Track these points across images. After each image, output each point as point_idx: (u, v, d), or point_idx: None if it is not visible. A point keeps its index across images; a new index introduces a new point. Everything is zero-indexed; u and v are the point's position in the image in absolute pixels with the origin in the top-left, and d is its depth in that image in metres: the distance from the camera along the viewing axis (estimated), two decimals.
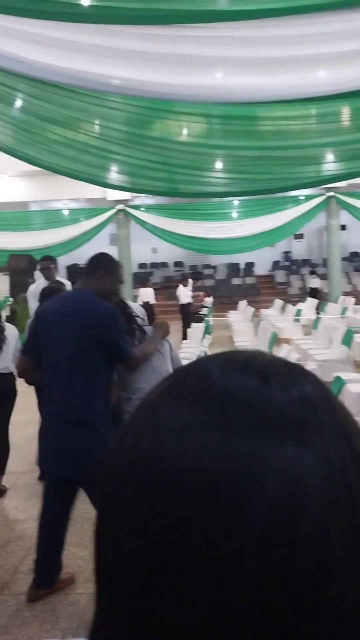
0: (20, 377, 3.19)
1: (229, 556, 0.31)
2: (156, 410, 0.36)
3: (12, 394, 4.52)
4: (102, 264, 3.12)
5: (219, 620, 0.31)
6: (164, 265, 24.27)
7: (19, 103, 4.31)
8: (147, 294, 14.77)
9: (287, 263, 25.02)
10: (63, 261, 19.18)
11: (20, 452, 5.44)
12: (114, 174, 5.12)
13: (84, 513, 4.01)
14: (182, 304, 13.78)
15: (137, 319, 3.60)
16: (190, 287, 14.35)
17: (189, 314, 13.45)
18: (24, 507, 4.19)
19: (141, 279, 21.97)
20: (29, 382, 3.39)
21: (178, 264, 24.21)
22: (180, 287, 14.10)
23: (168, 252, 23.19)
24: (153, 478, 0.33)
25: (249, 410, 0.34)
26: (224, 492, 0.31)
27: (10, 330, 4.59)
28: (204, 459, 0.32)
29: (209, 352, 5.76)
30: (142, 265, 23.80)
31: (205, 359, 0.39)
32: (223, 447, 0.32)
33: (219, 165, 5.39)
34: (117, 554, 0.35)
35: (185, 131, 5.13)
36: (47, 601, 2.93)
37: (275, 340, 8.80)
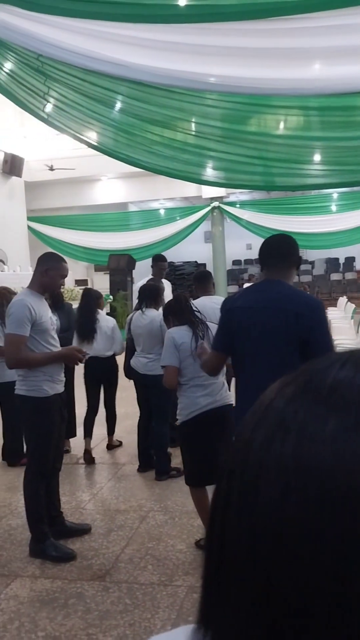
0: (209, 373, 2.99)
1: None
2: (295, 413, 0.36)
3: (113, 374, 5.28)
4: (293, 249, 2.76)
5: None
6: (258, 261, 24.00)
7: (119, 105, 4.43)
8: None
9: None
10: None
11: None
12: (211, 171, 5.14)
13: (181, 507, 4.08)
14: None
15: (196, 313, 3.61)
16: None
17: None
18: (125, 497, 4.32)
19: (235, 276, 21.93)
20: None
21: None
22: None
23: None
24: (304, 483, 0.33)
25: None
26: None
27: (105, 322, 5.20)
28: None
29: None
30: (236, 262, 23.69)
31: (333, 359, 0.39)
32: None
33: (317, 157, 5.25)
34: (248, 551, 0.35)
35: (282, 124, 5.04)
36: (147, 591, 3.00)
37: None
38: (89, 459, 5.11)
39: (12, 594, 3.07)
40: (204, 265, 21.74)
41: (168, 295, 6.28)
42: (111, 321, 5.33)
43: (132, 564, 3.32)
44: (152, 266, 6.42)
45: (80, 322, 5.12)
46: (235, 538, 0.37)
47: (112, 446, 5.51)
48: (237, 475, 0.38)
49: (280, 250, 2.77)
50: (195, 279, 5.21)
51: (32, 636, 2.68)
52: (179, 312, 3.61)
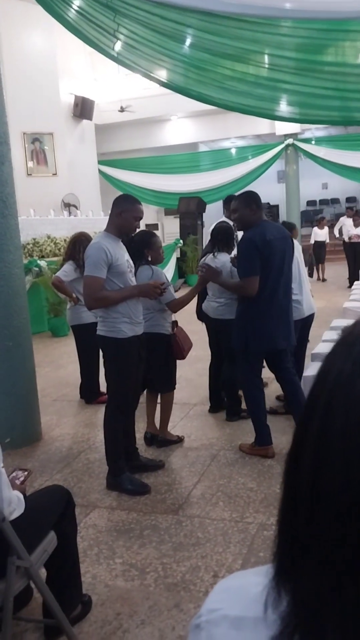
0: (252, 294, 3.69)
1: None
2: None
3: None
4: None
5: None
6: (334, 201, 23.09)
7: (189, 40, 4.27)
8: (321, 234, 14.29)
9: None
10: None
11: (192, 385, 5.73)
12: (285, 106, 4.89)
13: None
14: (350, 243, 13.06)
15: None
16: None
17: (358, 254, 12.75)
18: (196, 436, 4.44)
19: (310, 218, 21.23)
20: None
21: (350, 199, 22.86)
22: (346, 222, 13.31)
23: (340, 187, 21.99)
24: None
25: None
26: None
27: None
28: None
29: None
30: (311, 203, 22.91)
31: None
32: None
33: None
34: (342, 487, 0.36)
35: None
36: (219, 527, 3.11)
37: None
38: None
39: (91, 523, 3.26)
40: (277, 207, 21.18)
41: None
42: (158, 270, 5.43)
43: (204, 499, 3.44)
44: (224, 208, 6.27)
45: None
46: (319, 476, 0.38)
47: None
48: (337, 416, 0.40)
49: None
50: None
51: (110, 562, 2.86)
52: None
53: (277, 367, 4.08)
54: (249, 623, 0.46)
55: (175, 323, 4.19)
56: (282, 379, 4.13)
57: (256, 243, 3.64)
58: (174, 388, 4.30)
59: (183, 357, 4.19)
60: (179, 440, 4.37)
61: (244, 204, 3.80)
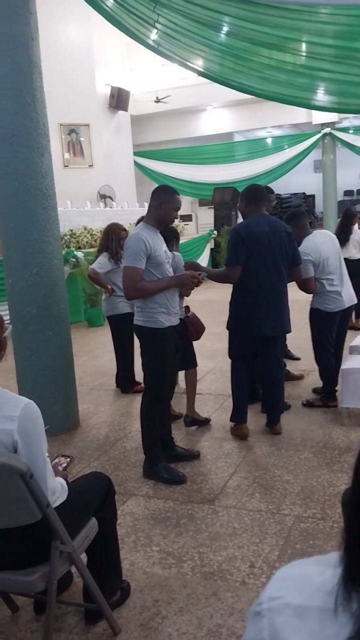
0: (232, 282, 3.96)
1: None
2: None
3: None
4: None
5: None
6: None
7: (229, 29, 4.22)
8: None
9: None
10: None
11: (226, 377, 5.72)
12: (325, 95, 4.80)
13: (287, 439, 4.14)
14: None
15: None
16: None
17: None
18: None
19: (347, 208, 20.85)
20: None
21: None
22: None
23: None
24: None
25: None
26: None
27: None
28: None
29: None
30: (348, 193, 22.52)
31: None
32: None
33: None
34: None
35: None
36: (255, 517, 3.12)
37: None
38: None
39: (128, 510, 3.31)
40: (313, 197, 20.88)
41: None
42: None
43: (240, 490, 3.45)
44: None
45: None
46: None
47: None
48: None
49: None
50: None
51: (147, 550, 2.90)
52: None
53: (264, 352, 4.26)
54: (313, 612, 0.46)
55: (187, 308, 4.43)
56: (264, 366, 4.30)
57: (241, 235, 3.86)
58: (197, 365, 4.56)
59: (198, 338, 4.49)
60: (207, 421, 4.54)
61: (239, 197, 4.15)
